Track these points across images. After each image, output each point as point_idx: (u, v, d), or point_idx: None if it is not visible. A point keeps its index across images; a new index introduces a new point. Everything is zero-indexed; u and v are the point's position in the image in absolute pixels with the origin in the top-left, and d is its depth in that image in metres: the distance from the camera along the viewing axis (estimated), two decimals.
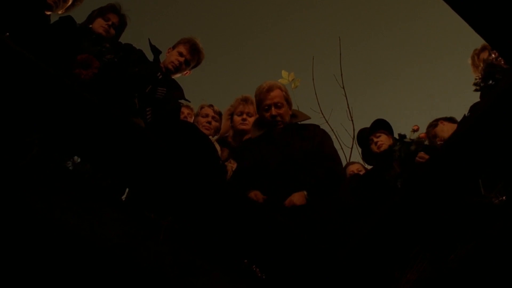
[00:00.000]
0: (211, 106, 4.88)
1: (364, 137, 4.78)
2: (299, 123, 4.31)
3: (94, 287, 2.64)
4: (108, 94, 3.58)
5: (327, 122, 7.58)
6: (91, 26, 4.35)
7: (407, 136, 4.54)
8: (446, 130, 4.76)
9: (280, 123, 4.19)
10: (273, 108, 4.18)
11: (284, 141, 4.08)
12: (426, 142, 4.68)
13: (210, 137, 4.59)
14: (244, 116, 4.71)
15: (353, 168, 5.08)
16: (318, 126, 4.33)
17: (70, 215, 2.60)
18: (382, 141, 4.57)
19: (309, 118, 4.41)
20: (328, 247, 3.04)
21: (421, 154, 4.15)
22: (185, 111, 4.88)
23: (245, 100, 4.82)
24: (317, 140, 4.10)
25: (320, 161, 3.95)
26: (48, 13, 4.15)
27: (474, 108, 4.36)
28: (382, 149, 4.53)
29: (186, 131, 4.17)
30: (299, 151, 3.99)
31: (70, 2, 4.30)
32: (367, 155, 4.80)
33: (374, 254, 2.98)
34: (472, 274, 3.03)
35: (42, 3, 3.99)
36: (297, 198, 3.71)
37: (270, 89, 4.27)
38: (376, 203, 3.34)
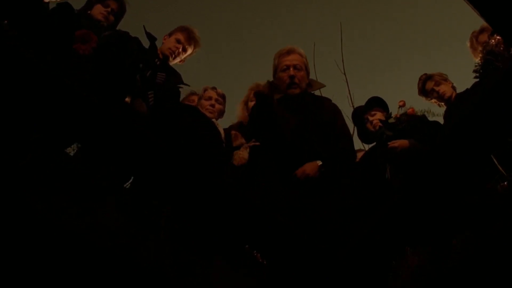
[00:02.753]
0: (214, 88, 4.79)
1: (359, 116, 4.76)
2: (314, 93, 4.29)
3: (94, 287, 2.64)
4: (108, 69, 3.57)
5: None
6: (90, 12, 4.30)
7: (392, 115, 4.52)
8: (448, 92, 4.73)
9: (296, 86, 4.09)
10: (291, 69, 4.09)
11: (300, 108, 4.04)
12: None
13: (214, 120, 4.56)
14: None
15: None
16: (331, 100, 4.30)
17: (70, 215, 2.59)
18: (377, 119, 4.56)
19: (324, 86, 4.37)
20: (328, 247, 3.05)
21: (391, 143, 4.18)
22: (195, 98, 4.86)
23: (257, 87, 4.79)
24: (331, 114, 4.09)
25: (334, 136, 3.96)
26: (46, 0, 4.10)
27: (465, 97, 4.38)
28: (378, 127, 4.52)
29: (188, 115, 4.16)
30: (314, 121, 3.97)
31: None
32: (363, 134, 4.79)
33: (374, 254, 2.99)
34: (471, 271, 3.04)
35: None
36: (310, 168, 3.72)
37: (290, 51, 4.20)
38: (375, 201, 3.34)
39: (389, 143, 4.19)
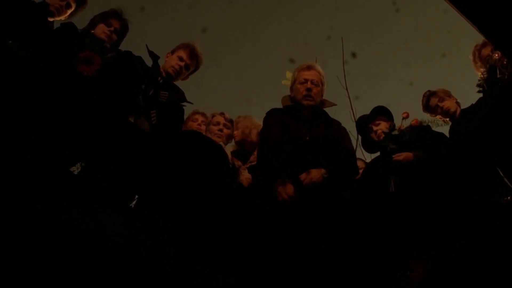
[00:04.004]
0: (222, 114, 4.85)
1: (363, 125, 4.78)
2: (326, 110, 4.43)
3: (95, 287, 2.65)
4: (111, 91, 3.59)
5: None
6: (93, 31, 4.36)
7: (396, 127, 4.53)
8: (452, 107, 4.74)
9: (312, 98, 4.29)
10: (309, 83, 4.30)
11: (311, 120, 4.22)
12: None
13: (222, 143, 4.57)
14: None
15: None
16: (340, 123, 4.44)
17: (70, 216, 2.61)
18: (382, 129, 4.55)
19: (335, 104, 4.52)
20: (328, 247, 3.04)
21: (396, 156, 4.19)
22: (199, 118, 4.91)
23: (249, 122, 4.87)
24: (339, 133, 4.30)
25: (338, 150, 4.12)
26: (51, 19, 4.18)
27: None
28: (382, 137, 4.53)
29: (190, 138, 4.21)
30: (320, 134, 4.14)
31: (73, 9, 4.32)
32: (367, 143, 4.80)
33: (374, 255, 2.98)
34: (475, 273, 3.02)
35: (45, 10, 4.02)
36: (315, 174, 3.82)
37: (310, 67, 4.45)
38: (375, 202, 3.35)
39: (393, 156, 4.21)
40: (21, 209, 2.53)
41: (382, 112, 4.66)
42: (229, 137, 4.81)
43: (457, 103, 4.80)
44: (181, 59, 4.50)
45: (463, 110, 4.68)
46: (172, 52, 4.58)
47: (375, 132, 4.58)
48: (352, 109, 7.27)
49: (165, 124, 4.18)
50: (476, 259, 3.02)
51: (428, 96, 4.87)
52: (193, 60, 4.56)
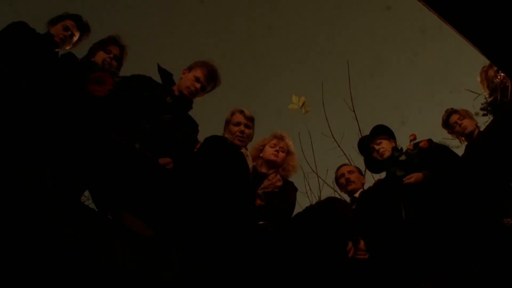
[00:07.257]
0: (242, 112, 4.56)
1: (364, 145, 4.80)
2: None
3: None
4: (118, 115, 3.60)
5: (339, 146, 7.47)
6: (93, 59, 4.42)
7: (403, 149, 4.55)
8: (470, 127, 4.76)
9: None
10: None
11: None
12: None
13: (244, 149, 4.43)
14: (278, 148, 4.54)
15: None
16: None
17: (86, 241, 2.65)
18: (384, 147, 4.59)
19: None
20: (339, 263, 3.06)
21: (406, 179, 4.18)
22: None
23: (281, 138, 4.66)
24: None
25: None
26: (56, 50, 4.26)
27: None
28: (385, 156, 4.54)
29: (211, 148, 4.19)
30: None
31: (77, 37, 4.39)
32: (370, 163, 4.81)
33: (386, 273, 2.99)
34: None
35: (50, 41, 4.10)
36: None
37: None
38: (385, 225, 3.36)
39: (404, 179, 4.18)
40: (37, 234, 2.57)
41: (382, 131, 4.69)
42: (250, 137, 4.58)
43: (477, 125, 4.82)
44: (197, 80, 4.42)
45: (480, 133, 4.69)
46: (190, 69, 4.50)
47: (377, 151, 4.60)
48: (360, 131, 7.25)
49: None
50: (489, 278, 3.02)
51: (450, 112, 4.91)
52: (210, 82, 4.48)
